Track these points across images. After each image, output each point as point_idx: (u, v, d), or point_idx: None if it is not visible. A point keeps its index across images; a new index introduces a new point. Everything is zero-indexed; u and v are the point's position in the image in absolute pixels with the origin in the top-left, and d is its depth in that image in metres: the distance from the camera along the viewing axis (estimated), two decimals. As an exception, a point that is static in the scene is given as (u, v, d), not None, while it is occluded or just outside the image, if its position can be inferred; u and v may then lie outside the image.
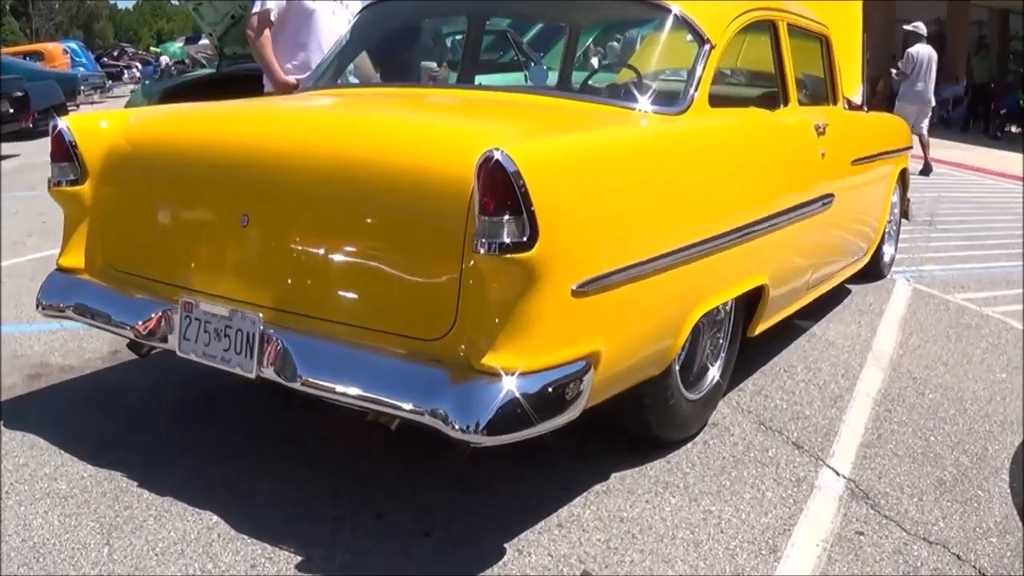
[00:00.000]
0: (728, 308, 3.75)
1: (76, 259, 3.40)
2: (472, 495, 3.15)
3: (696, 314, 3.26)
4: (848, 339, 5.11)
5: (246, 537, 2.88)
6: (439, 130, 3.07)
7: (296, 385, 2.79)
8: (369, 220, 2.82)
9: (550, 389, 2.61)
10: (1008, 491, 3.37)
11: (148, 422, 3.69)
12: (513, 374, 2.54)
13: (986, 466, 3.58)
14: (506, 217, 2.45)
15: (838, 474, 3.46)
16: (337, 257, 2.88)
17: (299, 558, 2.78)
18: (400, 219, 2.75)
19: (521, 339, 2.55)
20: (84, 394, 4.02)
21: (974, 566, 2.88)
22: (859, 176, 5.01)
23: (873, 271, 6.24)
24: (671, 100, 3.49)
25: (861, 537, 3.02)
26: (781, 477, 3.41)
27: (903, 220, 6.79)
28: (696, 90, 3.45)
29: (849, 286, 6.09)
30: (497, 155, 2.43)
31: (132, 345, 3.32)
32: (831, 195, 4.44)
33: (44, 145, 3.50)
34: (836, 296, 5.66)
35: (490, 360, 2.53)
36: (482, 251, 2.47)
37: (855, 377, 4.49)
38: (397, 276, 2.76)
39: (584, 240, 2.67)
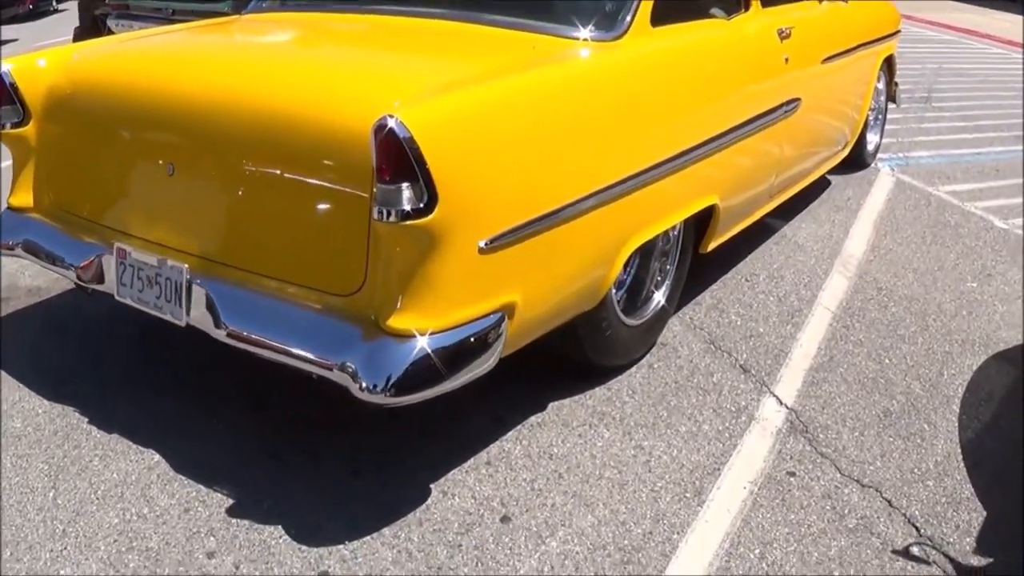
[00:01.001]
0: (674, 233, 3.59)
1: (25, 198, 3.33)
2: (405, 432, 3.08)
3: (630, 247, 3.13)
4: (818, 241, 4.96)
5: (183, 478, 2.86)
6: (343, 86, 2.83)
7: (222, 335, 2.74)
8: (281, 173, 2.69)
9: (460, 345, 2.52)
10: (956, 425, 3.28)
11: (108, 354, 3.62)
12: (423, 334, 2.45)
13: (938, 394, 3.49)
14: (403, 184, 2.33)
15: (780, 403, 3.38)
16: (255, 209, 2.76)
17: (230, 501, 2.76)
18: (310, 174, 2.61)
19: (427, 300, 2.46)
20: (49, 321, 3.94)
21: (904, 514, 2.81)
22: (833, 73, 4.77)
23: (857, 160, 6.03)
24: (604, 24, 3.22)
25: (792, 478, 2.96)
26: (721, 407, 3.32)
27: (891, 104, 6.52)
28: (633, 14, 3.20)
29: (831, 177, 5.90)
30: (390, 123, 2.29)
31: (77, 284, 3.24)
32: (796, 99, 4.23)
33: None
34: (815, 190, 5.48)
35: (396, 322, 2.45)
36: (381, 218, 2.36)
37: (818, 287, 4.37)
38: (312, 230, 2.65)
39: (491, 197, 2.53)
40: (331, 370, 2.50)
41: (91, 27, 7.72)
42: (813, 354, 3.73)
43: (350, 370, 2.47)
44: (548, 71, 2.93)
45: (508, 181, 2.58)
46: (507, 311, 2.63)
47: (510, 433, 3.14)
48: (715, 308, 4.09)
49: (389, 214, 2.36)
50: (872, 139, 6.22)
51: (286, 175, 2.68)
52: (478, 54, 3.08)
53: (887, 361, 3.70)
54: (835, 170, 5.64)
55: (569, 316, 3.01)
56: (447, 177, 2.36)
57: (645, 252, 3.50)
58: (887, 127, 6.62)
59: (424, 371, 2.46)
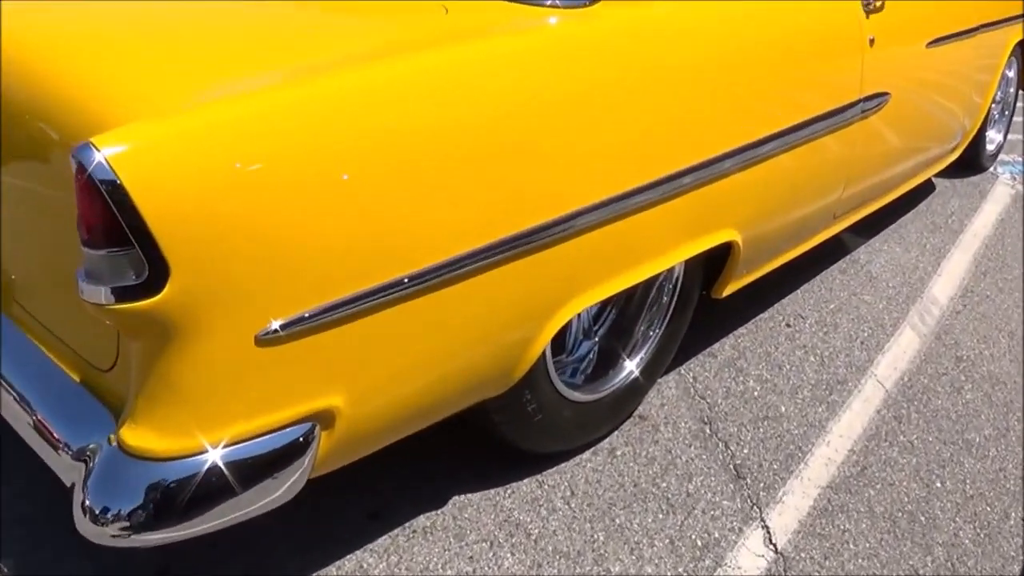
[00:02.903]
0: (666, 281, 2.65)
1: None
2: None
3: (570, 311, 2.19)
4: (897, 274, 3.90)
5: None
6: (84, 82, 1.75)
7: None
8: (38, 187, 1.86)
9: (222, 473, 1.66)
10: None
11: None
12: (161, 458, 1.61)
13: (993, 553, 2.50)
14: (112, 250, 1.43)
15: (769, 541, 2.46)
16: (35, 238, 1.97)
17: None
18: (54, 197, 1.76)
19: (172, 412, 1.61)
20: None
21: None
22: (941, 61, 3.65)
23: (971, 162, 4.89)
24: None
25: None
26: (683, 537, 2.42)
27: (1025, 95, 5.30)
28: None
29: (937, 180, 4.77)
30: (91, 158, 1.42)
31: None
32: (883, 94, 3.19)
33: None
34: (915, 196, 4.36)
35: (129, 435, 1.64)
36: (90, 298, 1.52)
37: (878, 347, 3.35)
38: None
39: (281, 264, 1.61)
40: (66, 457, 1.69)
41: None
42: (840, 460, 2.76)
43: (80, 473, 1.66)
44: (421, 59, 1.88)
45: (320, 237, 1.66)
46: (320, 420, 1.76)
47: (380, 541, 2.30)
48: (732, 365, 3.13)
49: (101, 292, 1.48)
50: (994, 137, 5.05)
51: (42, 190, 1.83)
52: (339, 37, 2.06)
53: (938, 485, 2.71)
54: (947, 170, 4.50)
55: (458, 408, 2.14)
56: (190, 240, 1.48)
57: (620, 303, 2.58)
58: (1016, 120, 5.38)
59: (162, 506, 1.63)
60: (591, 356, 2.65)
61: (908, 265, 4.00)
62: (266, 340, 1.59)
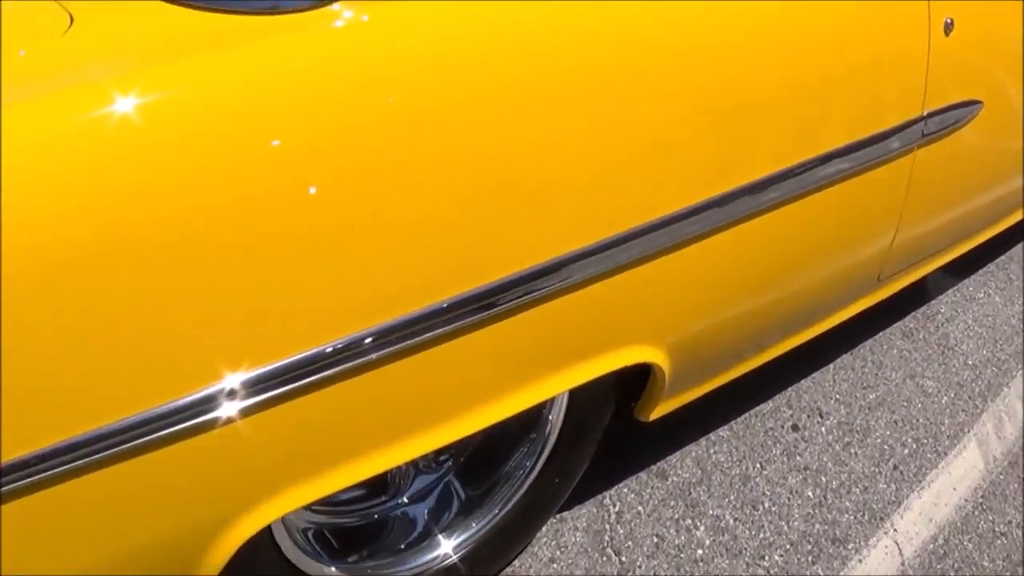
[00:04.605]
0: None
1: None
2: None
3: (244, 533, 1.29)
4: (987, 343, 2.83)
5: None
6: None
7: None
8: None
9: None
10: None
11: None
12: None
13: None
14: None
15: None
16: None
17: None
18: None
19: None
20: None
21: None
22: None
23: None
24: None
25: None
26: None
27: None
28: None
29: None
30: None
31: None
32: (967, 104, 2.06)
33: None
34: (1010, 236, 3.19)
35: None
36: None
37: (918, 476, 2.30)
38: None
39: None
40: None
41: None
42: None
43: None
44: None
45: None
46: None
47: None
48: (685, 494, 2.18)
49: None
50: None
51: None
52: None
53: None
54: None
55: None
56: None
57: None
58: None
59: None
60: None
61: (1006, 327, 2.87)
62: None
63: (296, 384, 1.19)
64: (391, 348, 1.25)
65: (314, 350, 1.19)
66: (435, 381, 1.37)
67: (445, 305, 1.28)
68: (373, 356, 1.24)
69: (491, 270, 1.33)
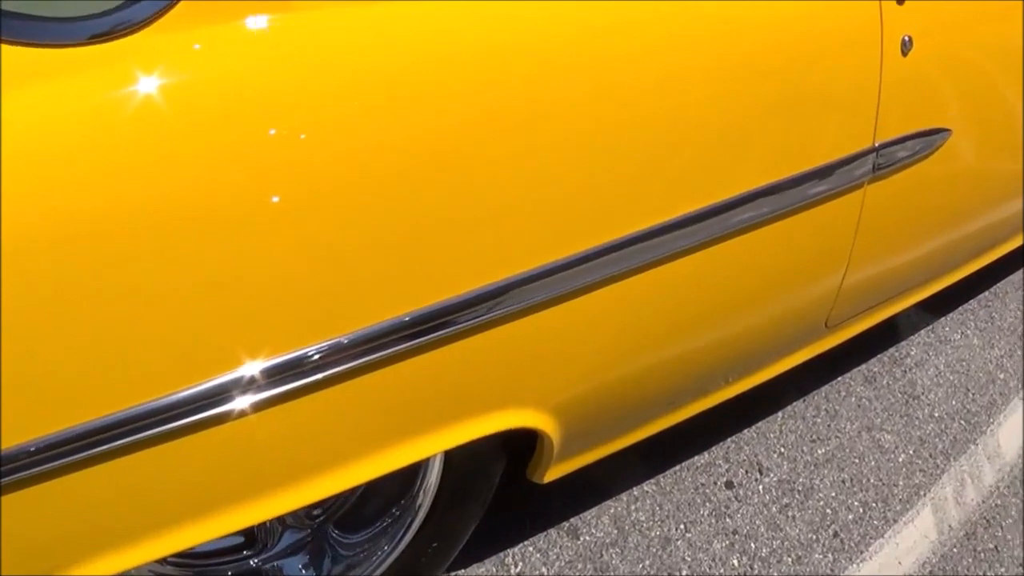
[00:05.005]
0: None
1: None
2: None
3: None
4: (957, 392, 2.59)
5: None
6: None
7: None
8: None
9: None
10: None
11: None
12: None
13: None
14: None
15: None
16: None
17: None
18: None
19: None
20: None
21: None
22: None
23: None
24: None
25: None
26: None
27: None
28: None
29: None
30: None
31: None
32: (939, 131, 1.89)
33: None
34: (995, 271, 2.94)
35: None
36: None
37: (859, 546, 2.07)
38: None
39: None
40: None
41: None
42: None
43: None
44: None
45: None
46: None
47: None
48: (595, 556, 1.95)
49: None
50: None
51: None
52: None
53: None
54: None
55: None
56: None
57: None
58: None
59: None
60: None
61: (981, 375, 2.62)
62: None
63: (136, 437, 1.03)
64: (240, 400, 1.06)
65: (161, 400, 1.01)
66: (288, 438, 1.17)
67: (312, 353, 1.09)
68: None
69: (356, 319, 1.13)
